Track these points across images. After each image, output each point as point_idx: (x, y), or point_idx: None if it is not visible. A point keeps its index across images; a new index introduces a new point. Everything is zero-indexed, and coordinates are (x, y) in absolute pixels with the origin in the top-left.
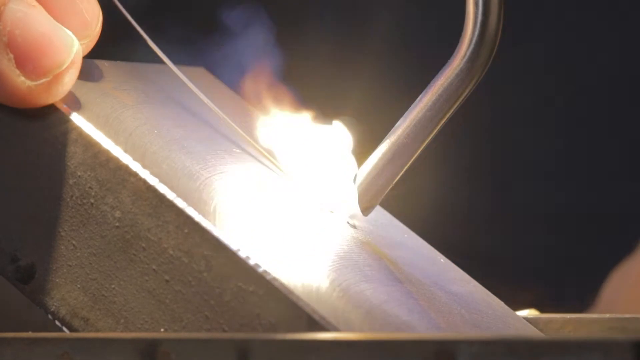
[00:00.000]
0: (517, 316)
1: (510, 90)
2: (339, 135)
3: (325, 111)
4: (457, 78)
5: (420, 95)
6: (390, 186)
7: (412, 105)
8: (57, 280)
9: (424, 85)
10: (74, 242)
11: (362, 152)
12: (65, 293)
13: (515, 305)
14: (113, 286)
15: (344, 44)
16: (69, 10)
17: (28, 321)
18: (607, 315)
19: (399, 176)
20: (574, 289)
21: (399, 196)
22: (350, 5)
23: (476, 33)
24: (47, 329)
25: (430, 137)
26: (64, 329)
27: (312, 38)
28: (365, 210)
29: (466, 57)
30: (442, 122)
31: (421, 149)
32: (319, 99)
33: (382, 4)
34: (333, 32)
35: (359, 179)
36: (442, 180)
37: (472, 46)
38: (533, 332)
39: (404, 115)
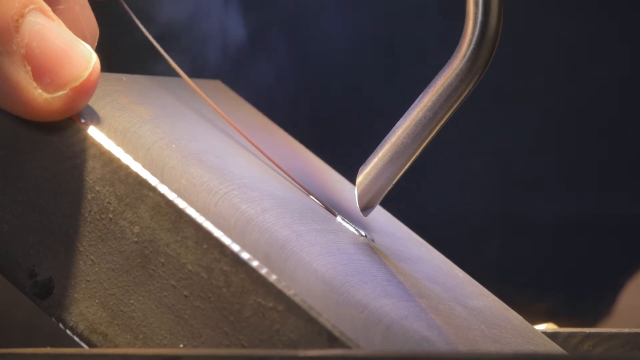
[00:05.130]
0: (537, 331)
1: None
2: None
3: (325, 111)
4: (457, 78)
5: (420, 95)
6: (391, 186)
7: (412, 105)
8: (76, 295)
9: (424, 85)
10: (92, 257)
11: (362, 152)
12: (83, 308)
13: (531, 315)
14: (132, 301)
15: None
16: (70, 27)
17: (36, 331)
18: (627, 330)
19: (399, 176)
20: (590, 298)
21: (408, 207)
22: (350, 6)
23: (476, 33)
24: (55, 338)
25: (430, 137)
26: (83, 344)
27: (311, 36)
28: (365, 210)
29: (466, 57)
30: (442, 122)
31: (421, 149)
32: (317, 99)
33: (383, 4)
34: (333, 31)
35: (359, 179)
36: (450, 187)
37: (472, 46)
38: (554, 348)
39: (404, 115)
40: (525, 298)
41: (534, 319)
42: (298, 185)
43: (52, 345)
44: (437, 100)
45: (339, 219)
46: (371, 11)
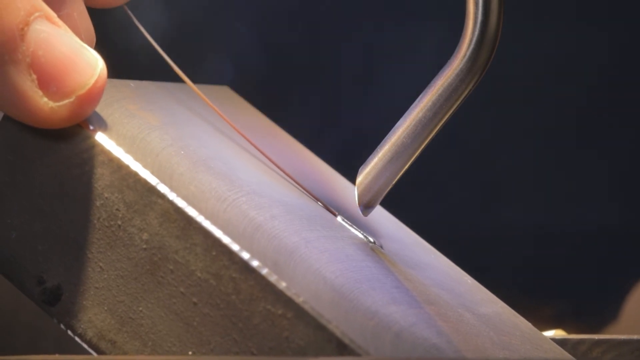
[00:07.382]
0: (545, 337)
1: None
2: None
3: (326, 112)
4: (457, 78)
5: (420, 95)
6: (390, 186)
7: (412, 105)
8: (84, 302)
9: (424, 85)
10: (101, 264)
11: (362, 152)
12: (92, 315)
13: (536, 321)
14: (140, 309)
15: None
16: None
17: (41, 334)
18: (636, 337)
19: (399, 176)
20: (596, 303)
21: (412, 212)
22: (350, 6)
23: (476, 33)
24: (61, 341)
25: (430, 137)
26: (91, 351)
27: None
28: (365, 210)
29: (466, 57)
30: (442, 122)
31: (421, 149)
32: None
33: (382, 4)
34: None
35: (359, 179)
36: (454, 191)
37: (472, 46)
38: (563, 355)
39: (404, 115)
40: (530, 304)
41: (540, 324)
42: (304, 191)
43: (58, 349)
44: (437, 100)
45: (339, 219)
46: (373, 14)
